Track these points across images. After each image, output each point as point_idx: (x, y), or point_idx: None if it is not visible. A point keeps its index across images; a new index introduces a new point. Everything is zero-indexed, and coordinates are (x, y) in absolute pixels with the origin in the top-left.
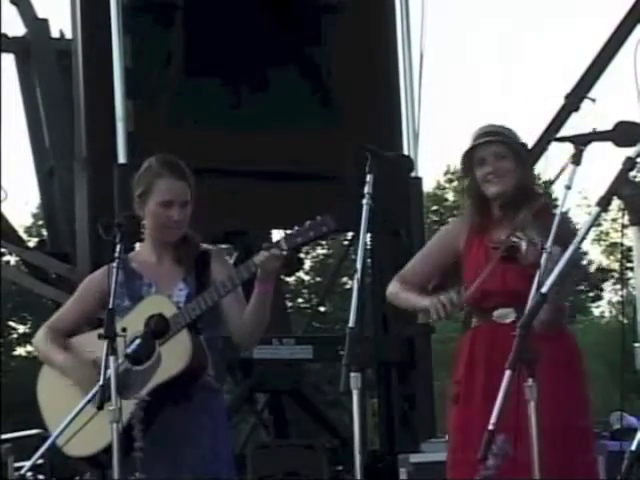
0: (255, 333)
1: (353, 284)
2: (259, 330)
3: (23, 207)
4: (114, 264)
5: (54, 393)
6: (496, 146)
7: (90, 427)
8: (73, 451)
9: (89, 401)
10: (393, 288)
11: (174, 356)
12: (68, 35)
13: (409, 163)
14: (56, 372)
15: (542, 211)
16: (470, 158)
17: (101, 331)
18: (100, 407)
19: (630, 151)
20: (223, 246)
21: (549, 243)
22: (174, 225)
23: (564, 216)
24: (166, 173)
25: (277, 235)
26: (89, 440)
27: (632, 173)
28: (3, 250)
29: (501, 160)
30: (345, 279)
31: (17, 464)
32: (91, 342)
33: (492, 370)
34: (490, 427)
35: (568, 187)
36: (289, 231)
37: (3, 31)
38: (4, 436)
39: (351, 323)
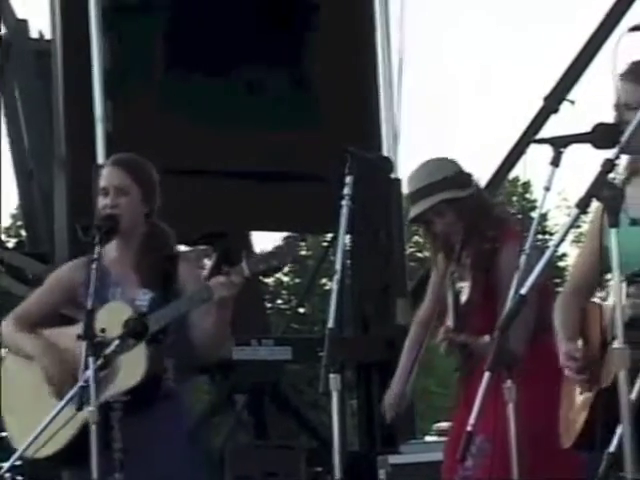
0: (216, 347)
1: (332, 285)
2: (220, 344)
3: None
4: (83, 259)
5: (13, 393)
6: (429, 209)
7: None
8: (35, 452)
9: (67, 403)
10: None
11: (130, 369)
12: (47, 36)
13: (389, 164)
14: (17, 367)
15: (490, 250)
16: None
17: (73, 328)
18: (79, 408)
19: (609, 153)
20: (202, 247)
21: (527, 245)
22: (109, 211)
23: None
24: (107, 164)
25: (256, 237)
26: (49, 440)
27: (611, 175)
28: None
29: (438, 218)
30: (324, 280)
31: None
32: (64, 337)
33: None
34: (469, 428)
35: (547, 188)
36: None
37: None
38: None
39: (330, 324)
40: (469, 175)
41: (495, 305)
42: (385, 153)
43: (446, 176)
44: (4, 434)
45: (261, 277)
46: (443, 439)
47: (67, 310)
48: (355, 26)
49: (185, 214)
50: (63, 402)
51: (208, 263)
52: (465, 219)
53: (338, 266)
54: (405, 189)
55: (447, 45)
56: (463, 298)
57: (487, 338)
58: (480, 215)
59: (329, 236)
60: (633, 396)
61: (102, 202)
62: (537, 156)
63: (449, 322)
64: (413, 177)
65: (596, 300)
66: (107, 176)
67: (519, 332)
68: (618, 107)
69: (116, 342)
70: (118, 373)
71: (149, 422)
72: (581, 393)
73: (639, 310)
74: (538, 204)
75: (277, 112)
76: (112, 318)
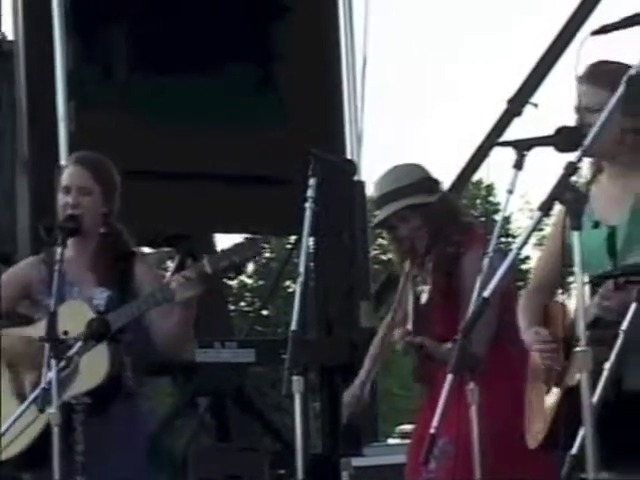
0: (177, 347)
1: (296, 287)
2: (181, 344)
3: None
4: (39, 257)
5: None
6: (393, 214)
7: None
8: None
9: (29, 406)
10: None
11: (92, 369)
12: (10, 37)
13: (352, 166)
14: None
15: (451, 256)
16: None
17: (34, 327)
18: (42, 410)
19: (572, 156)
20: (165, 249)
21: (490, 247)
22: (70, 210)
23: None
24: (70, 163)
25: (220, 239)
26: (10, 443)
27: (573, 178)
28: None
29: (403, 223)
30: (288, 282)
31: None
32: (22, 337)
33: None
34: (432, 430)
35: (510, 191)
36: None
37: None
38: None
39: (294, 326)
40: (436, 181)
41: (455, 309)
42: (349, 155)
43: (412, 182)
44: None
45: (224, 279)
46: (406, 441)
47: (23, 308)
48: (319, 27)
49: (148, 216)
50: (25, 404)
51: (171, 265)
52: (431, 224)
53: (302, 268)
54: (371, 194)
55: (411, 46)
56: (423, 300)
57: (448, 345)
58: (446, 220)
59: (293, 238)
60: (595, 398)
61: (63, 200)
62: (500, 159)
63: (408, 324)
64: (379, 182)
65: (559, 299)
66: (70, 175)
67: (481, 334)
68: (579, 110)
69: (79, 344)
70: (79, 373)
71: (109, 423)
72: (547, 393)
73: (605, 311)
74: (501, 207)
75: (241, 113)
76: (72, 317)
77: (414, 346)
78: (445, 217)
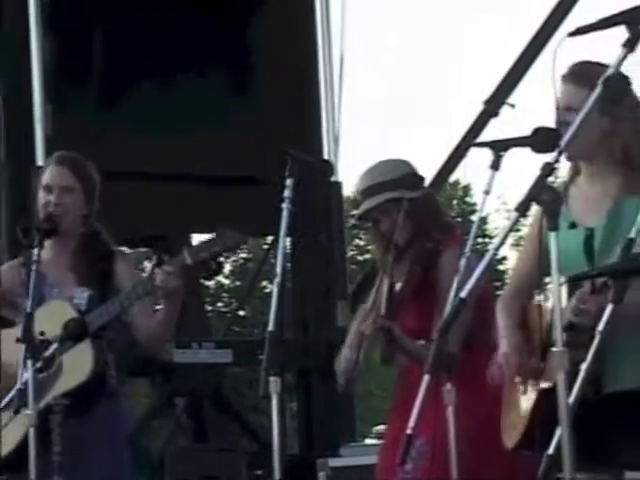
0: (160, 340)
1: (273, 288)
2: (164, 338)
3: None
4: (19, 260)
5: None
6: (376, 208)
7: None
8: None
9: (5, 408)
10: None
11: (76, 366)
12: None
13: (329, 167)
14: None
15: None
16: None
17: (12, 330)
18: (17, 411)
19: (548, 157)
20: (142, 250)
21: (467, 248)
22: (52, 209)
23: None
24: (51, 162)
25: (197, 239)
26: None
27: (550, 178)
28: None
29: (385, 216)
30: (265, 283)
31: None
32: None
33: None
34: (408, 431)
35: (487, 192)
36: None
37: None
38: None
39: (271, 327)
40: (421, 177)
41: (428, 306)
42: (326, 156)
43: (397, 176)
44: None
45: (202, 280)
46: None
47: (5, 312)
48: (296, 27)
49: (125, 216)
50: (1, 406)
51: (148, 265)
52: (413, 219)
53: (279, 269)
54: (350, 192)
55: (389, 46)
56: (397, 289)
57: (420, 342)
58: (428, 217)
59: (270, 239)
60: (572, 399)
61: (44, 199)
62: (477, 159)
63: (381, 310)
64: (364, 175)
65: (537, 301)
66: (52, 174)
67: (455, 335)
68: (559, 109)
69: (54, 346)
70: (63, 373)
71: (92, 422)
72: (524, 393)
73: (582, 315)
74: (478, 207)
75: (217, 114)
76: (52, 318)
77: (383, 330)
78: (427, 214)
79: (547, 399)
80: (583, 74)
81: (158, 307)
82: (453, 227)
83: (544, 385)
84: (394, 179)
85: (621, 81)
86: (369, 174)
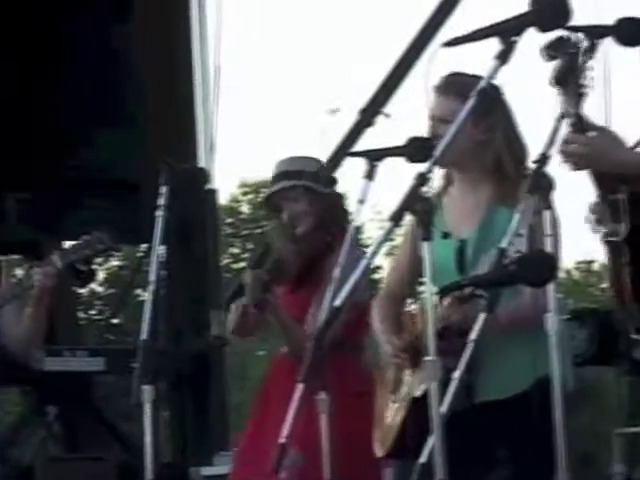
0: (29, 346)
1: (147, 296)
2: (33, 343)
3: None
4: None
5: None
6: (288, 191)
7: None
8: None
9: None
10: None
11: None
12: None
13: (204, 175)
14: None
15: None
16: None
17: None
18: None
19: (422, 167)
20: (14, 257)
21: (341, 258)
22: None
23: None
24: None
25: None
26: None
27: (424, 188)
28: None
29: (293, 203)
30: (139, 291)
31: None
32: None
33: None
34: (282, 440)
35: (361, 201)
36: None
37: None
38: None
39: (144, 335)
40: (334, 179)
41: (309, 298)
42: (201, 164)
43: (313, 170)
44: None
45: (75, 287)
46: None
47: None
48: (171, 34)
49: None
50: None
51: (20, 273)
52: (317, 213)
53: (153, 277)
54: (272, 172)
55: (265, 54)
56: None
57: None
58: (331, 215)
59: (144, 246)
60: (444, 407)
61: None
62: (352, 169)
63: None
64: (284, 161)
65: (409, 309)
66: None
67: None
68: (432, 120)
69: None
70: None
71: None
72: (394, 402)
73: (447, 321)
74: (353, 217)
75: (90, 120)
76: None
77: (262, 288)
78: (331, 211)
79: (418, 407)
80: (455, 85)
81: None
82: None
83: (416, 393)
84: (308, 171)
85: (494, 92)
86: (286, 162)
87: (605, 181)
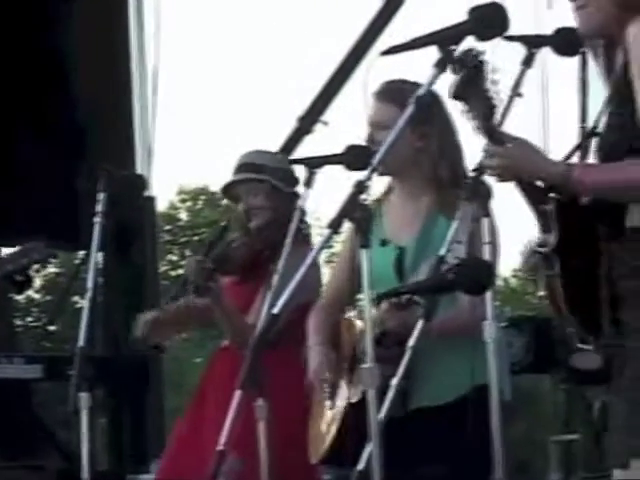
0: None
1: (84, 303)
2: None
3: None
4: None
5: None
6: (248, 183)
7: None
8: None
9: None
10: None
11: None
12: None
13: (142, 182)
14: None
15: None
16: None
17: None
18: None
19: (361, 174)
20: None
21: (280, 266)
22: None
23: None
24: None
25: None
26: None
27: (363, 196)
28: None
29: (252, 196)
30: (76, 298)
31: None
32: None
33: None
34: (220, 447)
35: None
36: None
37: None
38: None
39: (81, 342)
40: (297, 180)
41: (250, 291)
42: (139, 170)
43: (278, 166)
44: None
45: (10, 294)
46: None
47: None
48: (108, 36)
49: None
50: None
51: None
52: (274, 209)
53: (90, 284)
54: (236, 161)
55: (204, 60)
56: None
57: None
58: (288, 213)
59: (81, 253)
60: (381, 414)
61: None
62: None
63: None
64: (250, 153)
65: (348, 316)
66: None
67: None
68: (371, 126)
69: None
70: None
71: None
72: (331, 408)
73: (384, 327)
74: (292, 225)
75: (28, 123)
76: None
77: (205, 276)
78: (288, 210)
79: (354, 414)
80: (393, 92)
81: None
82: (306, 233)
83: (352, 400)
84: (275, 167)
85: (432, 100)
86: (251, 154)
87: (533, 192)
